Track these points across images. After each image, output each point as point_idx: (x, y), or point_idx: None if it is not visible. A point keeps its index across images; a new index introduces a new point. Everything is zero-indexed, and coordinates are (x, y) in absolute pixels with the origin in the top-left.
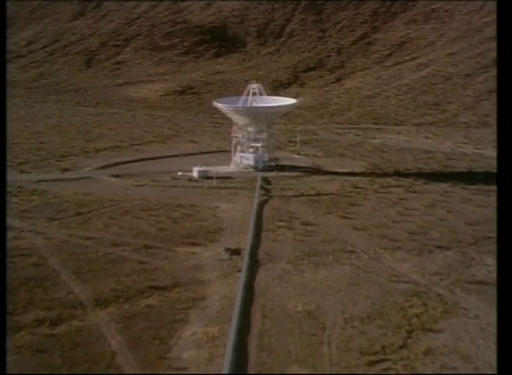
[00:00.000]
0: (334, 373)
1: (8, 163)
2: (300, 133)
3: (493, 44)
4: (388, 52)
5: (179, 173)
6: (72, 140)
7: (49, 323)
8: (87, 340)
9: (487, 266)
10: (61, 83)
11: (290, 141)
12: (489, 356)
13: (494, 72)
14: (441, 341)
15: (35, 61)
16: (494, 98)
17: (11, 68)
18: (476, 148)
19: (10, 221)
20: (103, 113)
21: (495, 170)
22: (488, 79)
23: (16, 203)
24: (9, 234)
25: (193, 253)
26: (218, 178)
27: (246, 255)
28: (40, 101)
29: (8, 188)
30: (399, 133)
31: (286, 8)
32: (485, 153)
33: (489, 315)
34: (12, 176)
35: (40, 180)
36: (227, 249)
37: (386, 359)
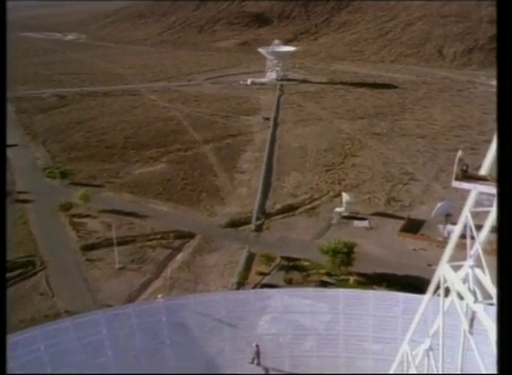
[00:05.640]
0: (310, 187)
1: (157, 79)
2: (297, 64)
3: (389, 24)
4: (338, 26)
5: (242, 82)
6: (191, 67)
7: (183, 150)
8: (201, 158)
9: (380, 126)
10: (186, 42)
11: (293, 67)
12: (379, 167)
13: (389, 37)
14: (359, 160)
15: (175, 31)
16: (389, 49)
17: (165, 35)
18: (378, 72)
19: (164, 103)
20: (206, 55)
21: (387, 82)
22: (384, 41)
23: (166, 96)
24: (163, 110)
25: (247, 119)
26: (259, 84)
27: (272, 120)
28: (176, 50)
29: (163, 89)
30: (342, 64)
31: (291, 5)
32: (383, 74)
33: (380, 149)
34: (164, 84)
35: (178, 86)
36: (263, 117)
37: (334, 169)
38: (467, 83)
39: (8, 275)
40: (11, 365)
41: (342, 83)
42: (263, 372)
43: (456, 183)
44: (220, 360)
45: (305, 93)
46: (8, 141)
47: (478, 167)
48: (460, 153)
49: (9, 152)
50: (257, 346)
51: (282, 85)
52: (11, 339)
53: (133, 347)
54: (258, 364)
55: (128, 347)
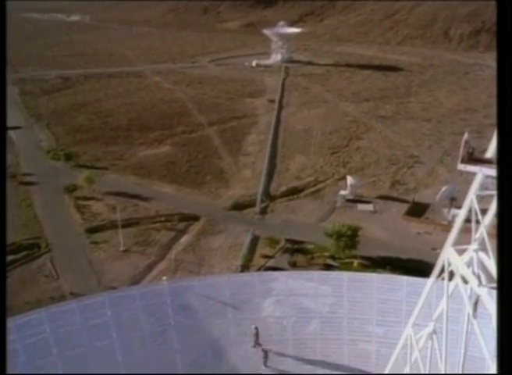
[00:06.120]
0: (315, 170)
1: (159, 65)
2: (302, 46)
3: (395, 6)
4: (343, 8)
5: (246, 64)
6: (196, 49)
7: (187, 133)
8: (206, 140)
9: (385, 109)
10: (190, 23)
11: (298, 49)
12: (384, 150)
13: (395, 18)
14: (363, 143)
15: (179, 12)
16: (395, 31)
17: (169, 16)
18: (383, 54)
19: (168, 85)
20: (210, 36)
21: (393, 64)
22: (390, 22)
23: (170, 78)
24: (168, 92)
25: (252, 101)
26: (264, 66)
27: (277, 102)
28: (182, 30)
29: (167, 71)
30: (348, 46)
31: None
32: (386, 56)
33: (385, 132)
34: (168, 66)
35: (183, 67)
36: (268, 100)
37: (339, 151)
38: (473, 65)
39: (13, 257)
40: (16, 346)
41: (347, 65)
42: (263, 354)
43: (461, 166)
44: (224, 342)
45: (310, 75)
46: (13, 123)
47: (484, 151)
48: (466, 136)
49: (13, 134)
50: (256, 328)
51: (287, 67)
52: (16, 321)
53: (137, 329)
54: (260, 345)
55: (132, 329)
